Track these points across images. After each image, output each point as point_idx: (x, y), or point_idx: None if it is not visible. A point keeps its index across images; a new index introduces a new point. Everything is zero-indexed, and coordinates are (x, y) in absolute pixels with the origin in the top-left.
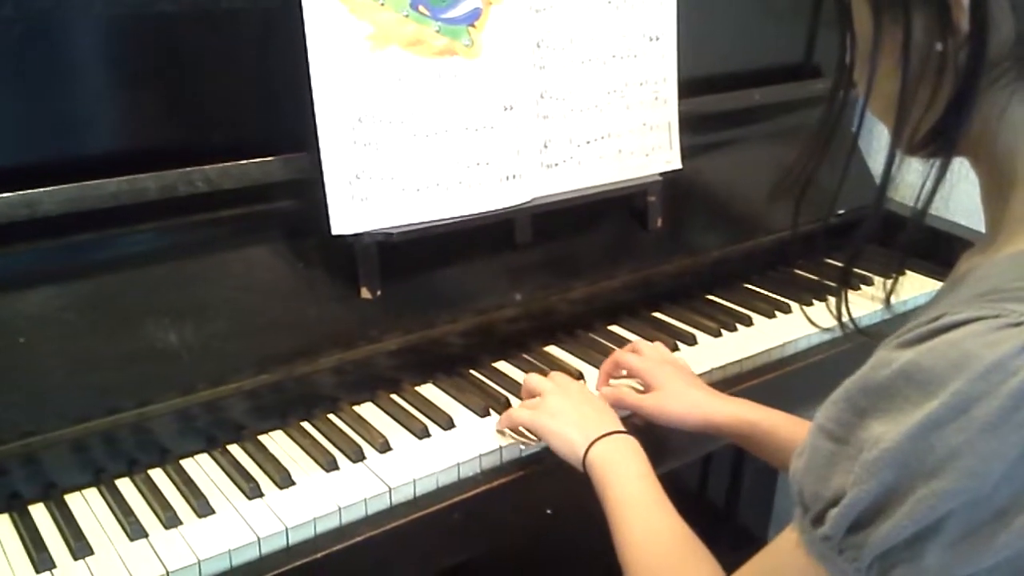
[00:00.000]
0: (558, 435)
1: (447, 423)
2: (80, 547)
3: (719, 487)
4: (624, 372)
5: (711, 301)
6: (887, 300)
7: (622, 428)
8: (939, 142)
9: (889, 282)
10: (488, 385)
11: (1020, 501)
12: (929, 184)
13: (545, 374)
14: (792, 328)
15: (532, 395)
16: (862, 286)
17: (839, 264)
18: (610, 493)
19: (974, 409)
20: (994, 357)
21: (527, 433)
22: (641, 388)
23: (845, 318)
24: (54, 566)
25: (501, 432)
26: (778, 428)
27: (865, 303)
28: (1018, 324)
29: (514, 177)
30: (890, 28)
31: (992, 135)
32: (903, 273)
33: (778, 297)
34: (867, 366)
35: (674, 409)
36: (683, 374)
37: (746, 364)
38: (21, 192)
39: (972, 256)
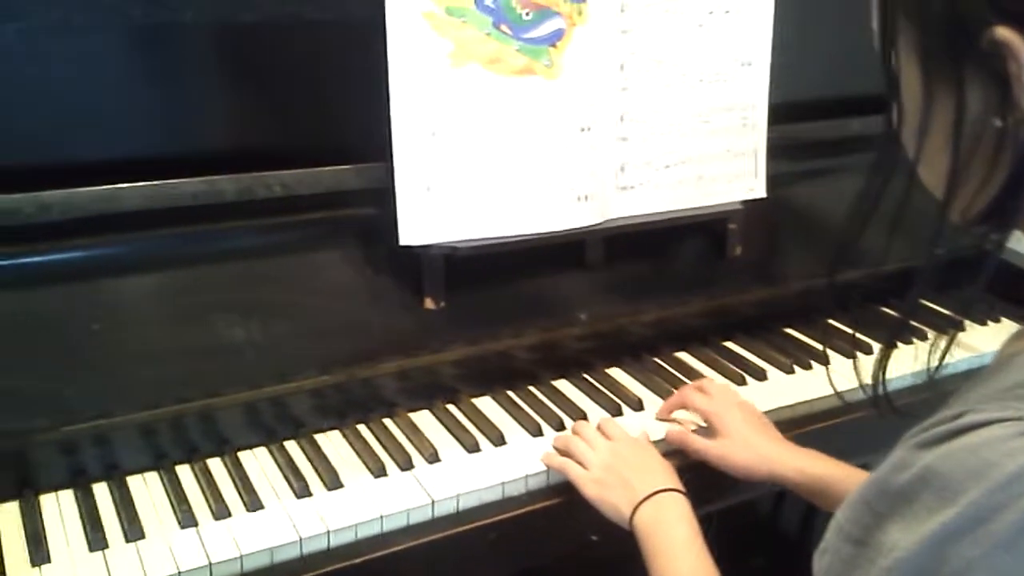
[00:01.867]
0: (605, 502)
1: (498, 439)
2: (133, 531)
3: (793, 518)
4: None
5: (787, 335)
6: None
7: (672, 484)
8: (996, 219)
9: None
10: (544, 404)
11: None
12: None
13: (607, 397)
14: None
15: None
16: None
17: (934, 307)
18: (655, 563)
19: (991, 522)
20: (1014, 467)
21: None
22: (705, 426)
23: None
24: (107, 546)
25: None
26: (843, 483)
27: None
28: None
29: (586, 198)
30: (943, 100)
31: None
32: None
33: (861, 336)
34: (887, 465)
35: (740, 459)
36: (752, 419)
37: (816, 405)
38: (104, 187)
39: (1021, 338)
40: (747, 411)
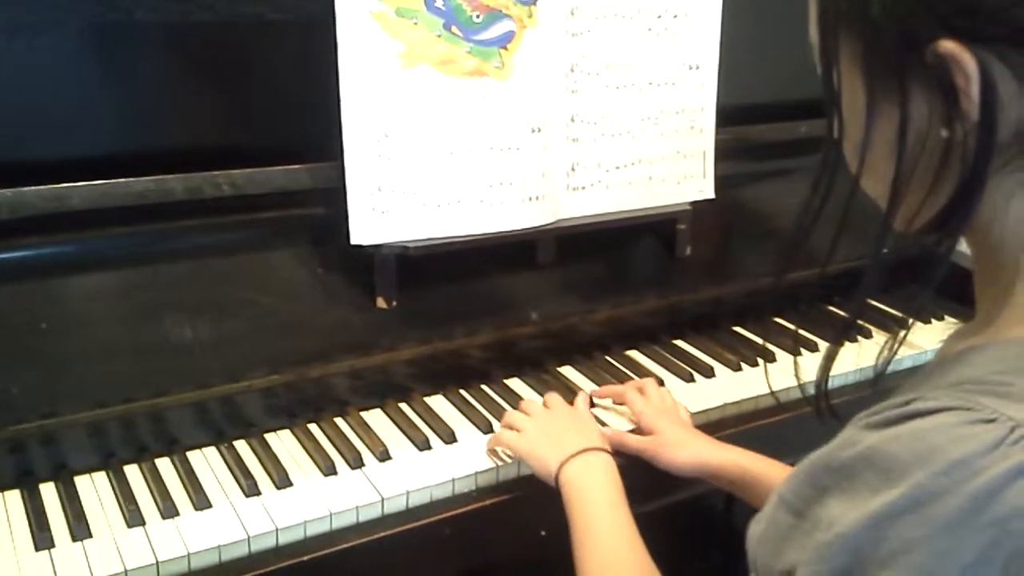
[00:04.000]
0: (534, 456)
1: (449, 436)
2: (80, 529)
3: (747, 514)
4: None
5: (736, 334)
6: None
7: (599, 444)
8: (943, 229)
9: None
10: (497, 402)
11: None
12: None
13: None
14: (816, 368)
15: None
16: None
17: (879, 305)
18: (576, 515)
19: (933, 505)
20: (959, 454)
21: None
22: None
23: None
24: (53, 546)
25: (491, 451)
26: (767, 474)
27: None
28: (989, 420)
29: (537, 199)
30: (886, 111)
31: (997, 222)
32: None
33: (806, 334)
34: (835, 442)
35: (672, 455)
36: (681, 423)
37: (762, 402)
38: (51, 186)
39: (963, 337)
40: (676, 416)
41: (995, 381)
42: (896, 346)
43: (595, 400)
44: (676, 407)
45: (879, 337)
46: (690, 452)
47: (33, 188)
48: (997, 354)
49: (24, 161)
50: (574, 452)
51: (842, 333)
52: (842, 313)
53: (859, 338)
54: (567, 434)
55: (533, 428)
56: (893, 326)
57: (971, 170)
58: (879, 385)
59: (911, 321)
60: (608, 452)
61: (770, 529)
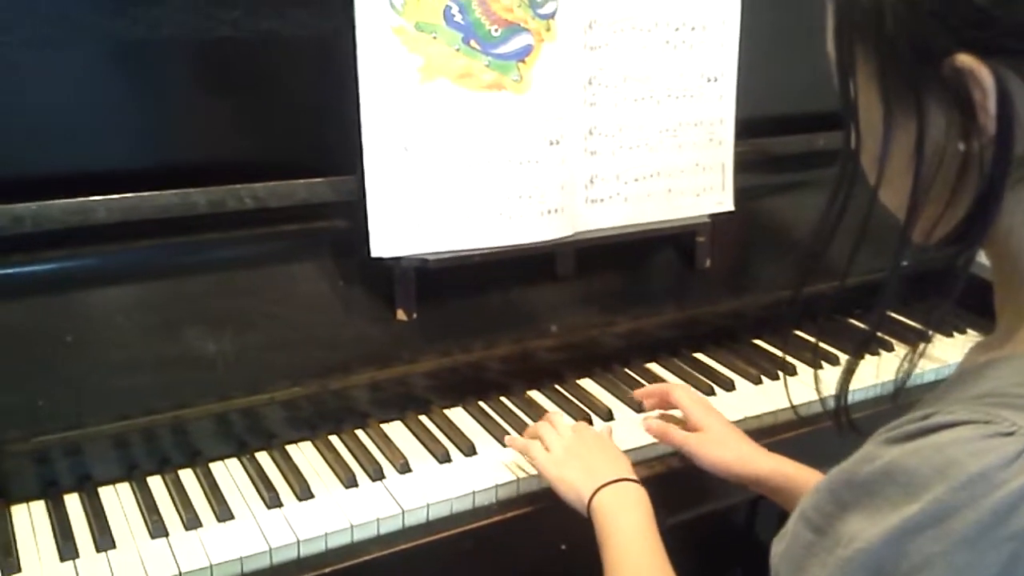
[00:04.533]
0: (564, 482)
1: (469, 449)
2: (104, 540)
3: (767, 528)
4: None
5: (756, 347)
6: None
7: (631, 476)
8: (962, 242)
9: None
10: (516, 414)
11: None
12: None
13: (577, 407)
14: (836, 381)
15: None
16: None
17: (899, 318)
18: (609, 544)
19: (953, 520)
20: (978, 467)
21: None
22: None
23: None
24: (77, 556)
25: (514, 460)
26: (810, 485)
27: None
28: (1009, 434)
29: (556, 211)
30: (903, 125)
31: (1015, 235)
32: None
33: (827, 347)
34: (855, 457)
35: (717, 455)
36: (728, 424)
37: (780, 416)
38: (77, 199)
39: (984, 350)
40: (723, 417)
41: (1015, 394)
42: (916, 359)
43: (641, 403)
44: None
45: (900, 350)
46: (734, 454)
47: (58, 201)
48: (1017, 366)
49: (49, 175)
50: (607, 481)
51: (862, 346)
52: (863, 326)
53: (880, 351)
54: (598, 462)
55: (562, 451)
56: (914, 339)
57: (988, 183)
58: (900, 399)
59: (931, 334)
60: (639, 482)
61: (792, 546)
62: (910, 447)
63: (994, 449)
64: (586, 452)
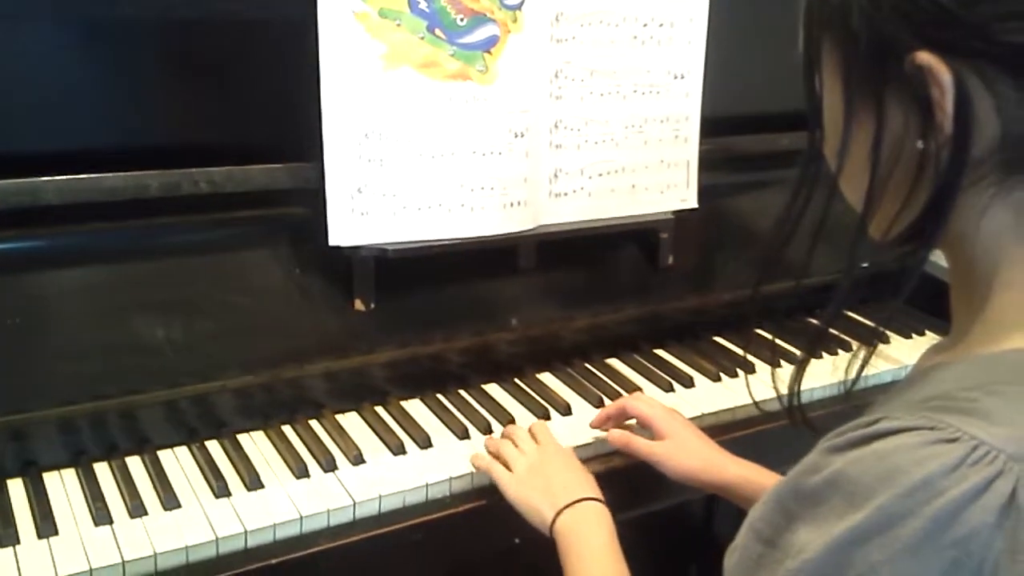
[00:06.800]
0: (526, 504)
1: (424, 441)
2: (46, 526)
3: (726, 525)
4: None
5: (717, 344)
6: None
7: (594, 495)
8: (917, 239)
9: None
10: (473, 407)
11: None
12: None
13: (536, 401)
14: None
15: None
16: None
17: (858, 318)
18: (574, 567)
19: (897, 527)
20: (921, 475)
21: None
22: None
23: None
24: (18, 542)
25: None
26: None
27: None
28: (951, 440)
29: (519, 204)
30: (864, 120)
31: (970, 236)
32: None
33: (786, 346)
34: (800, 467)
35: (684, 462)
36: (693, 428)
37: (739, 413)
38: (24, 179)
39: (937, 353)
40: (686, 420)
41: (961, 397)
42: (868, 357)
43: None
44: (682, 415)
45: (855, 350)
46: (701, 461)
47: (5, 181)
48: (964, 370)
49: None
50: (569, 502)
51: (814, 343)
52: (816, 323)
53: (838, 350)
54: (561, 481)
55: (525, 470)
56: (872, 339)
57: (942, 183)
58: (856, 399)
59: (887, 334)
60: (602, 501)
61: (743, 559)
62: (853, 455)
63: (937, 456)
64: (550, 470)
